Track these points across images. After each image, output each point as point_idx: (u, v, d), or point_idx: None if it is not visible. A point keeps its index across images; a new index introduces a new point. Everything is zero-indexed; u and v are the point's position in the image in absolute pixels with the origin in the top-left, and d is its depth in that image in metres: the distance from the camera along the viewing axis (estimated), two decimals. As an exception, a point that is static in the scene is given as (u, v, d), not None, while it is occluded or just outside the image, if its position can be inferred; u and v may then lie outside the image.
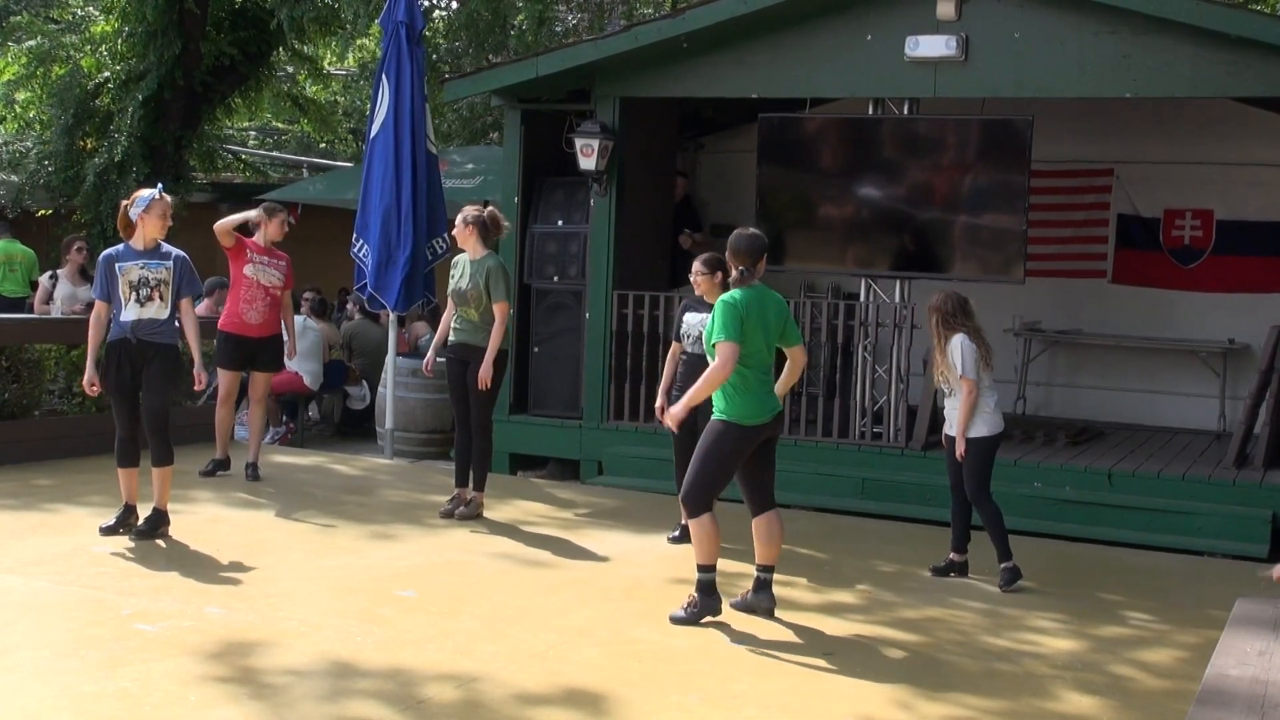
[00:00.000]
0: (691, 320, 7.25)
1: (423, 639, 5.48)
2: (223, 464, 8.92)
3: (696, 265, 7.21)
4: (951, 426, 6.93)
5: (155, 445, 6.96)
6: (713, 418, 5.95)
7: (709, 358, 5.96)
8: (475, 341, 7.86)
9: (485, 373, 7.77)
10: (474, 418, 7.93)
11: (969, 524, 7.05)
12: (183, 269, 7.10)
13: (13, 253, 13.22)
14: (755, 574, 6.11)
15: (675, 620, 5.90)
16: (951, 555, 7.08)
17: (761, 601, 6.07)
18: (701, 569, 5.95)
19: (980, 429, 6.81)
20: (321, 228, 17.12)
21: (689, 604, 5.94)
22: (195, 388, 7.37)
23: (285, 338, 9.08)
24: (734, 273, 6.03)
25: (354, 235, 10.40)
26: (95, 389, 7.09)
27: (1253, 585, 6.34)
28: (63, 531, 7.08)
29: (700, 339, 7.16)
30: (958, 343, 6.79)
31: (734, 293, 5.95)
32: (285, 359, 9.17)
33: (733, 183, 11.91)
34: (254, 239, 8.87)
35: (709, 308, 7.33)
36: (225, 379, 8.91)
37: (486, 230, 7.93)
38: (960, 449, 6.79)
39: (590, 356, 10.16)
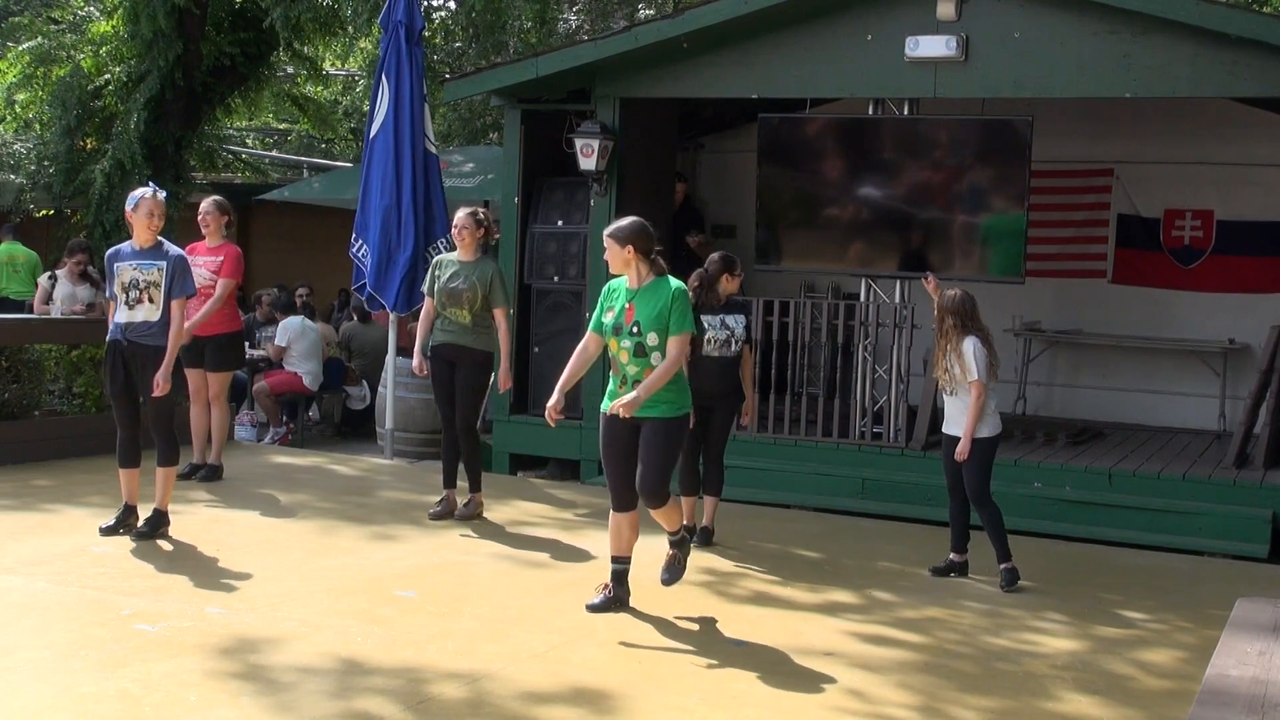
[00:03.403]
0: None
1: (423, 639, 5.48)
2: (198, 467, 8.86)
3: (722, 267, 7.36)
4: (951, 425, 6.93)
5: (161, 445, 6.95)
6: (663, 417, 5.90)
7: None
8: (464, 342, 7.85)
9: (504, 378, 8.03)
10: (460, 419, 7.92)
11: (968, 524, 7.05)
12: (176, 269, 7.00)
13: (15, 254, 13.29)
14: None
15: (666, 579, 6.18)
16: (951, 555, 7.08)
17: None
18: (673, 534, 6.21)
19: (982, 430, 6.81)
20: (321, 227, 17.14)
21: (672, 561, 6.23)
22: (153, 393, 6.87)
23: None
24: (650, 260, 5.95)
25: (353, 235, 10.40)
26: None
27: (1253, 585, 6.34)
28: (63, 532, 7.08)
29: (724, 342, 7.20)
30: (970, 345, 6.78)
31: (680, 283, 6.01)
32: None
33: (733, 183, 11.91)
34: (202, 243, 8.77)
35: (724, 310, 7.34)
36: (189, 377, 8.79)
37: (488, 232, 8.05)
38: (965, 450, 6.79)
39: (590, 356, 10.14)
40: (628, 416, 5.79)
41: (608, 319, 5.98)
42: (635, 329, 5.86)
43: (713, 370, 7.23)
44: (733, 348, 7.33)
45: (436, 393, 8.05)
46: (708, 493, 7.49)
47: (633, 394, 5.80)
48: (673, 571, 6.21)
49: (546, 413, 6.09)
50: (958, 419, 6.87)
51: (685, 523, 6.42)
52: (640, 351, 5.86)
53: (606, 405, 6.01)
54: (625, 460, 5.99)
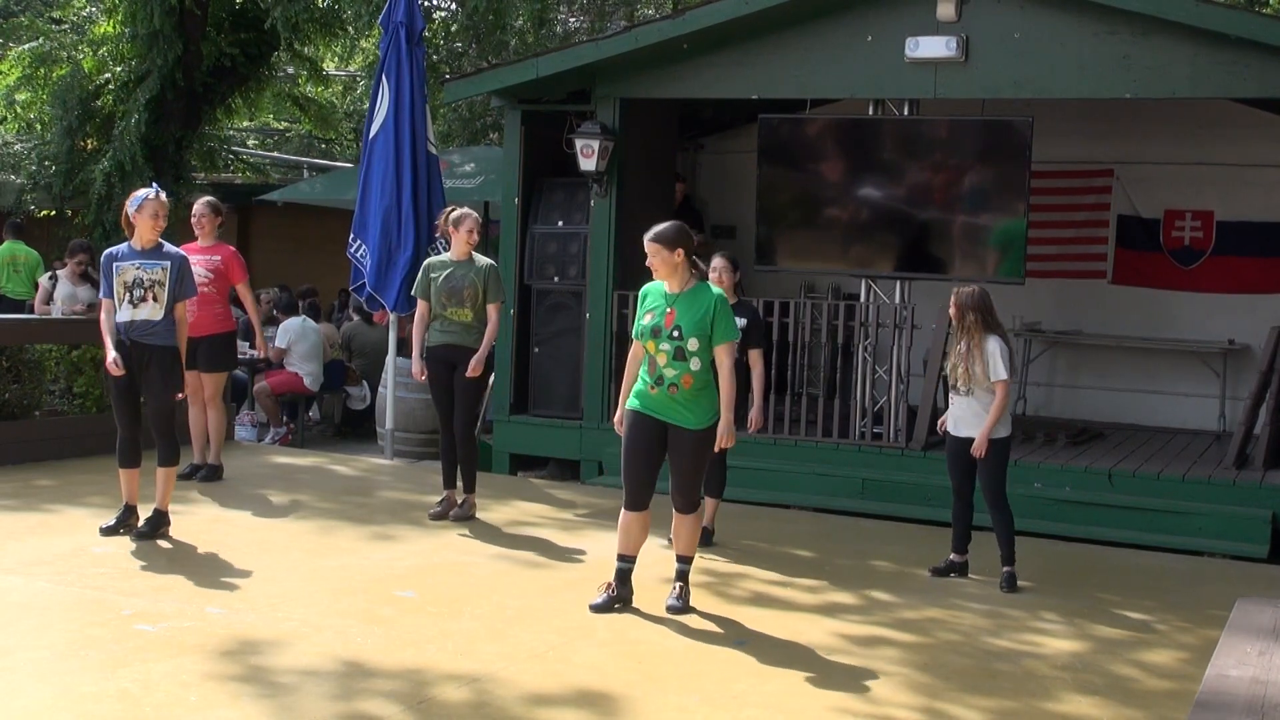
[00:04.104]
0: None
1: (423, 640, 5.48)
2: (199, 468, 8.84)
3: (723, 263, 7.32)
4: (959, 426, 6.90)
5: (161, 445, 6.95)
6: (695, 429, 5.91)
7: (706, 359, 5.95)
8: (466, 343, 7.82)
9: (478, 363, 7.76)
10: (459, 422, 7.89)
11: (970, 525, 7.05)
12: (180, 270, 7.05)
13: (16, 254, 13.31)
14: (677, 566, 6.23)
15: (679, 608, 6.07)
16: (951, 556, 7.08)
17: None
18: (684, 558, 6.20)
19: (998, 430, 6.80)
20: (321, 228, 17.14)
21: (682, 592, 6.16)
22: (176, 397, 7.11)
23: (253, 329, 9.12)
24: (690, 262, 5.95)
25: (351, 235, 10.40)
26: (120, 370, 6.91)
27: (1253, 585, 6.33)
28: (63, 532, 7.08)
29: None
30: (996, 345, 6.77)
31: (719, 290, 6.04)
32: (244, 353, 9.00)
33: (733, 183, 11.91)
34: (195, 242, 8.78)
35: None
36: (187, 379, 8.75)
37: None
38: (981, 448, 6.77)
39: (590, 357, 10.16)
40: (730, 444, 6.00)
41: (646, 321, 5.94)
42: (676, 333, 5.84)
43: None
44: None
45: (435, 394, 8.04)
46: (709, 494, 7.48)
47: (725, 426, 5.90)
48: (683, 599, 6.13)
49: (615, 427, 6.17)
50: (970, 420, 6.83)
51: None
52: (680, 355, 5.85)
53: (635, 403, 6.00)
54: (648, 462, 5.98)
